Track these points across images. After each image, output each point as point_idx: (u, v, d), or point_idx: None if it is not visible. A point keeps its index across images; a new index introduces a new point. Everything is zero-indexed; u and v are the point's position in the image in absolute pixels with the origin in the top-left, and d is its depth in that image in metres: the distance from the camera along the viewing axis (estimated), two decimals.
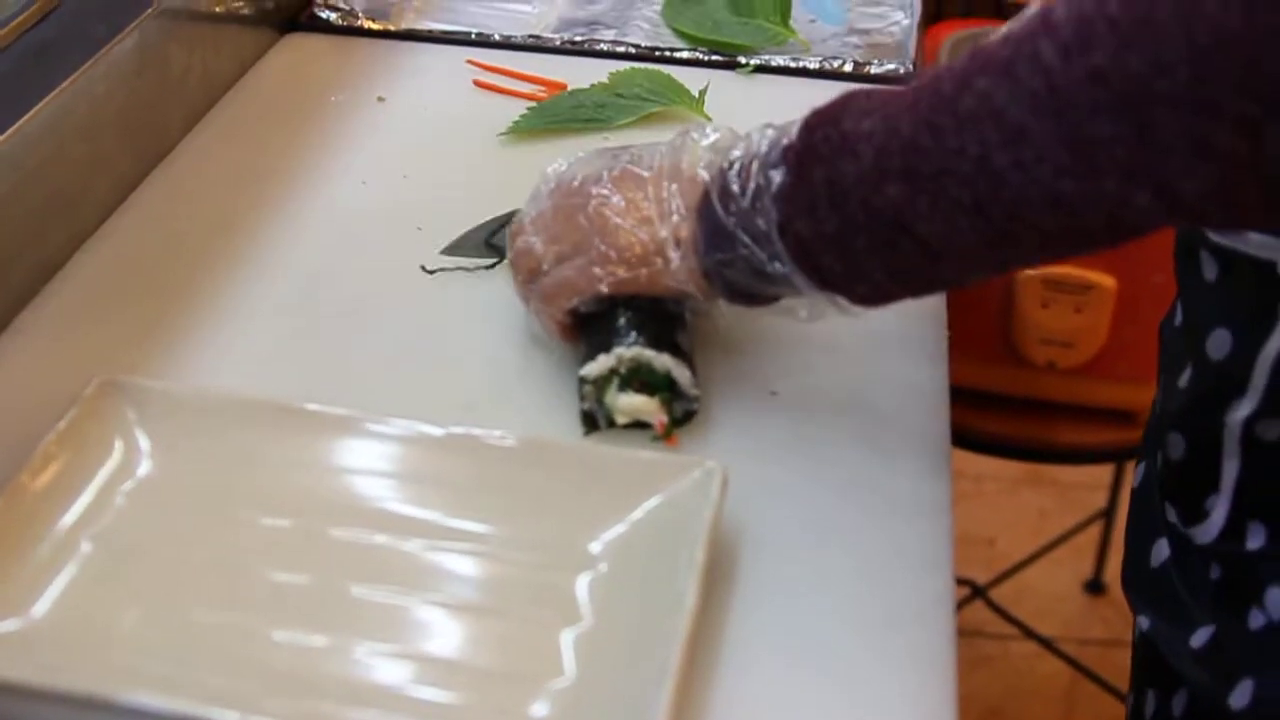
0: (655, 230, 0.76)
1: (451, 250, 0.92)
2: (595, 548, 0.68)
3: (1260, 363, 0.72)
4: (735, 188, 0.72)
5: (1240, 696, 0.72)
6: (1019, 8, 1.86)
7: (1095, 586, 2.04)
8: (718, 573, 0.69)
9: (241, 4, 1.12)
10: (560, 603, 0.66)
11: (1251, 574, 0.73)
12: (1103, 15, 0.57)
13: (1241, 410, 0.73)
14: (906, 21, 1.25)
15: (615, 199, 0.77)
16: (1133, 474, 0.87)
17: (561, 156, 0.84)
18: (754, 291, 0.75)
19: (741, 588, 0.69)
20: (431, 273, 0.90)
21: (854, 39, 1.22)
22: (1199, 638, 0.75)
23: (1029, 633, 1.93)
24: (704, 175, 0.75)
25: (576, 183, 0.80)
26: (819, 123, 0.70)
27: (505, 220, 0.90)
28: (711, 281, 0.75)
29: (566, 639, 0.64)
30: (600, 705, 0.61)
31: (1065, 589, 2.06)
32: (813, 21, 1.24)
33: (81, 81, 0.89)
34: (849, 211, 0.67)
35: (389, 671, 0.63)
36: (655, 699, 0.59)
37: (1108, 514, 1.93)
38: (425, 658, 0.63)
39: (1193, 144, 0.56)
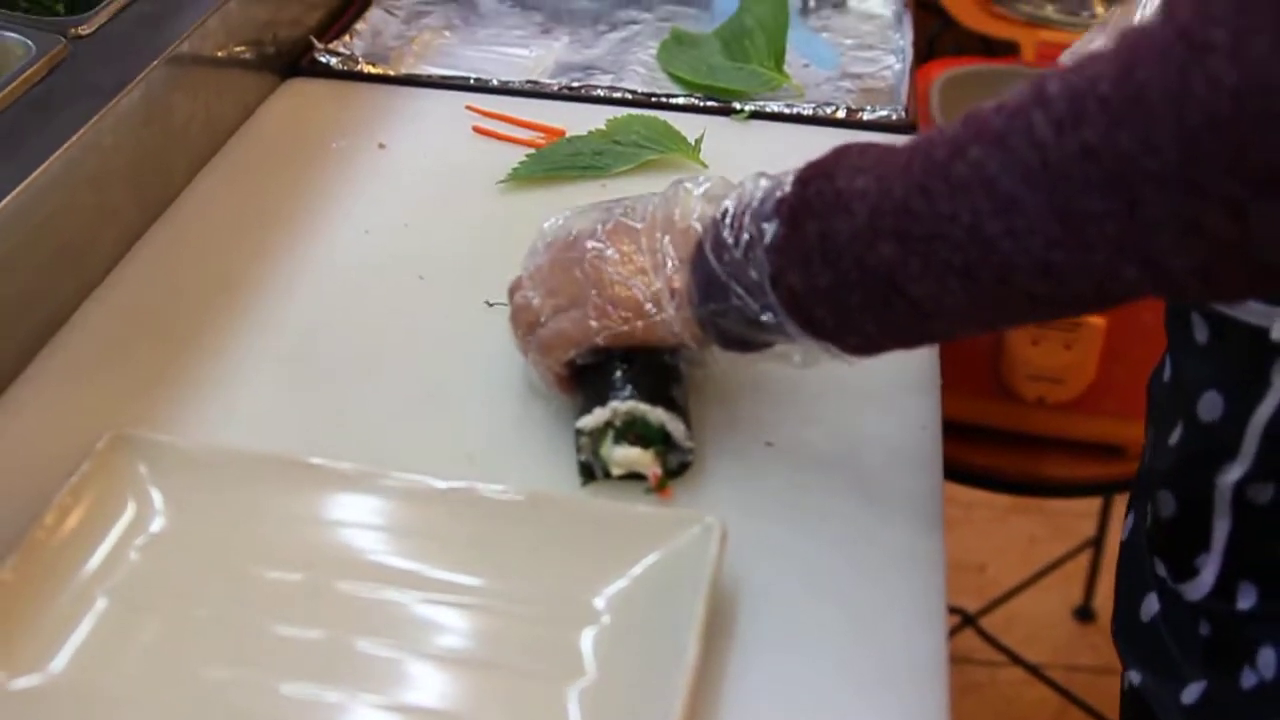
0: (650, 282, 0.77)
1: None
2: (599, 603, 0.70)
3: (1252, 427, 0.72)
4: (728, 238, 0.73)
5: None
6: (1008, 47, 1.88)
7: (1084, 613, 2.05)
8: (717, 626, 0.70)
9: (244, 49, 1.13)
10: (565, 657, 0.67)
11: (1242, 633, 0.73)
12: (1094, 93, 0.57)
13: (1233, 473, 0.73)
14: (899, 66, 1.27)
15: (610, 251, 0.79)
16: (1123, 508, 0.87)
17: (560, 204, 0.86)
18: (748, 339, 0.76)
19: (740, 641, 0.70)
20: (492, 305, 0.92)
21: (847, 83, 1.24)
22: (1190, 694, 0.75)
23: (1017, 659, 1.94)
24: (697, 227, 0.76)
25: (571, 237, 0.81)
26: (812, 176, 0.71)
27: None
28: (706, 330, 0.77)
29: (571, 693, 0.65)
30: None
31: (1054, 616, 2.07)
32: (806, 66, 1.26)
33: (90, 134, 0.90)
34: (842, 268, 0.68)
35: None
36: None
37: (1097, 542, 1.94)
38: (431, 712, 0.65)
39: (1181, 223, 0.57)
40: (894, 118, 1.18)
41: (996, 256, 0.62)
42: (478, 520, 0.73)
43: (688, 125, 1.13)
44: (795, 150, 1.11)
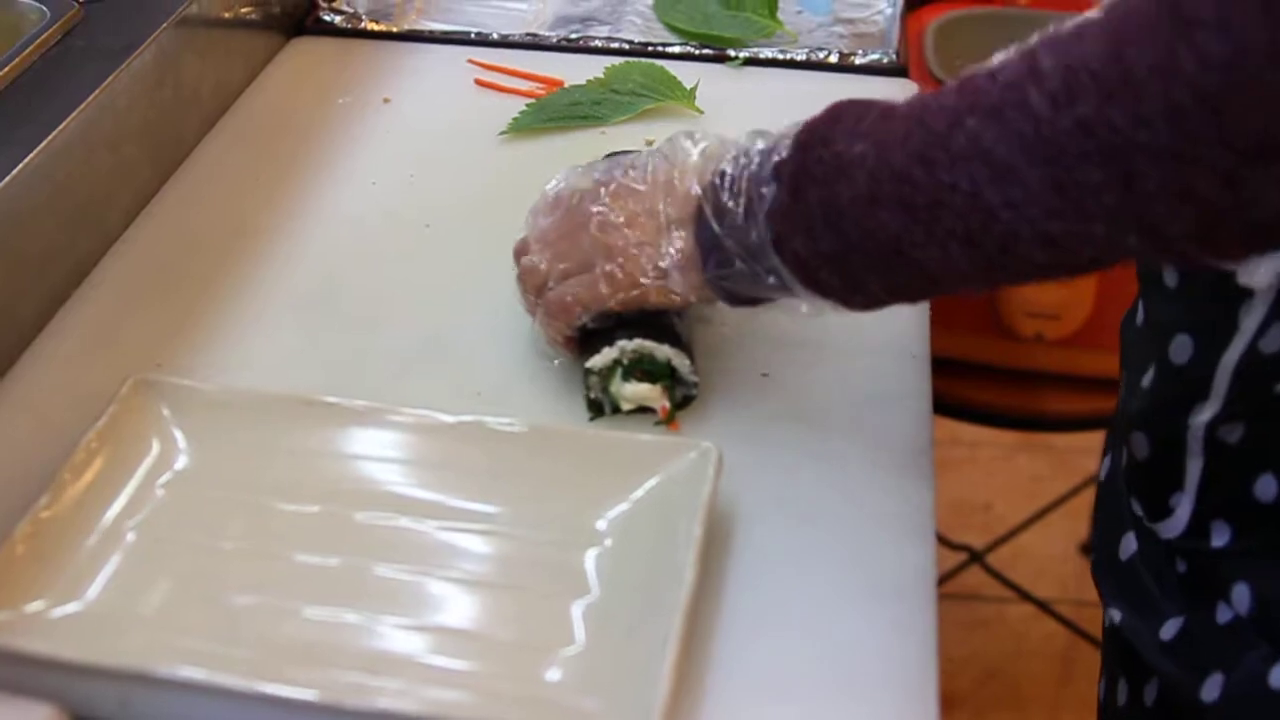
0: (655, 247, 0.78)
1: None
2: (601, 525, 0.73)
3: (1221, 368, 0.73)
4: (728, 202, 0.74)
5: (1211, 690, 0.74)
6: None
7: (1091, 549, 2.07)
8: (715, 546, 0.73)
9: (250, 10, 1.16)
10: (569, 576, 0.71)
11: (1217, 570, 0.75)
12: (1086, 68, 0.59)
13: (1204, 414, 0.74)
14: (890, 11, 1.29)
15: (614, 215, 0.80)
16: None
17: (560, 153, 0.88)
18: (754, 297, 0.77)
19: (737, 559, 0.74)
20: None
21: (839, 29, 1.27)
22: (1168, 630, 0.77)
23: (1025, 595, 1.96)
24: (696, 190, 0.77)
25: (575, 200, 0.82)
26: (811, 141, 0.71)
27: None
28: (713, 291, 0.78)
29: (576, 610, 0.69)
30: (608, 670, 0.65)
31: (1061, 552, 2.08)
32: (799, 13, 1.28)
33: (104, 95, 0.93)
34: (845, 231, 0.69)
35: (412, 643, 0.67)
36: (659, 663, 0.64)
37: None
38: (445, 630, 0.68)
39: (1175, 191, 0.59)
40: (885, 61, 1.20)
41: (998, 225, 0.64)
42: (486, 452, 0.77)
43: (684, 73, 1.15)
44: (789, 95, 1.16)
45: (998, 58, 0.65)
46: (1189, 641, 0.76)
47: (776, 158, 0.73)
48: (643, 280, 0.79)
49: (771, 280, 0.74)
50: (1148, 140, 0.58)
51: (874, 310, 0.73)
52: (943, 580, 1.96)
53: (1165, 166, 0.58)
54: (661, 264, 0.78)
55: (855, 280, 0.71)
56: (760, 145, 0.75)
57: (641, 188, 0.80)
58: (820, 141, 0.71)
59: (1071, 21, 0.62)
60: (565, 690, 0.65)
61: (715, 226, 0.75)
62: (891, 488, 0.79)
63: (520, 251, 0.85)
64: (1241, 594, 0.74)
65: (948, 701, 1.94)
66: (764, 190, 0.73)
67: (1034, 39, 0.63)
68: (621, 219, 0.79)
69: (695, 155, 0.79)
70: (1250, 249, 0.63)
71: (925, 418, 0.83)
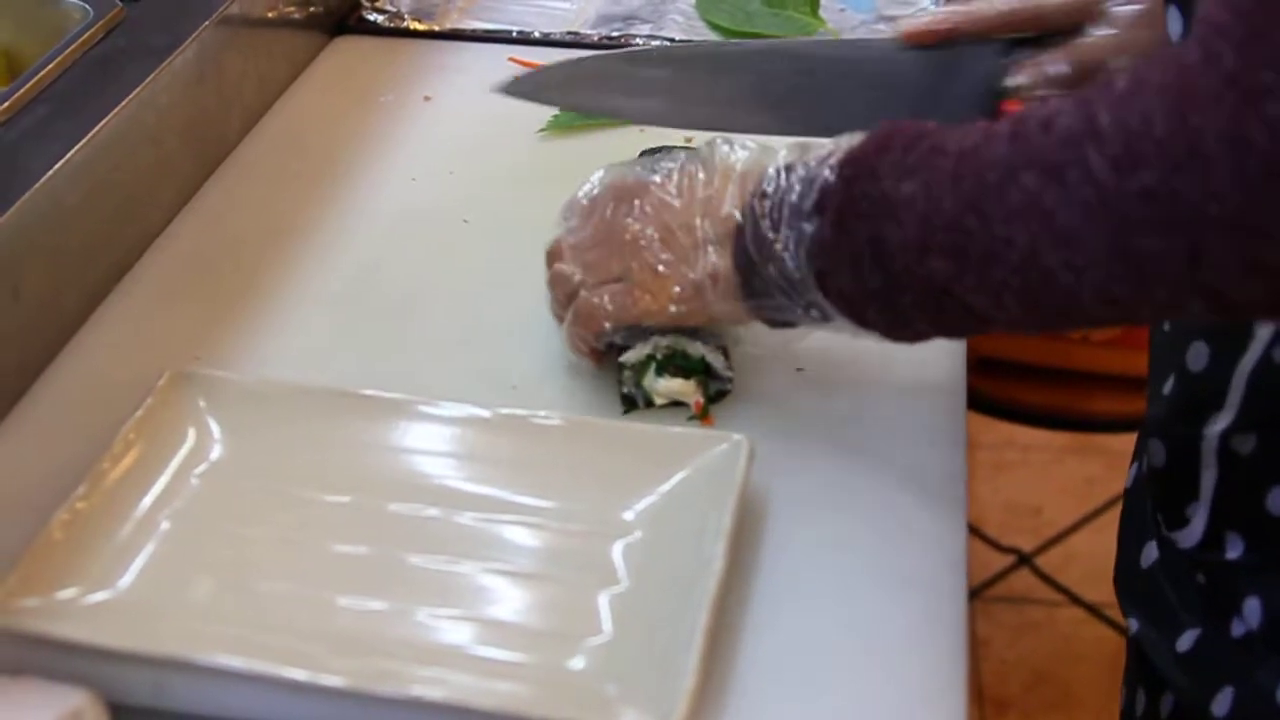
0: (692, 267, 0.77)
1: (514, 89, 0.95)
2: (630, 516, 0.73)
3: (1236, 377, 0.72)
4: (768, 232, 0.73)
5: (1221, 704, 0.73)
6: None
7: None
8: (745, 538, 0.73)
9: (293, 9, 1.17)
10: (599, 567, 0.71)
11: (1231, 582, 0.74)
12: (1150, 135, 0.57)
13: (1219, 423, 0.73)
14: (934, 7, 1.28)
15: (650, 229, 0.79)
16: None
17: (597, 151, 0.88)
18: (795, 322, 0.76)
19: (767, 552, 0.74)
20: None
21: (882, 26, 1.26)
22: (1184, 641, 0.76)
23: (1076, 599, 1.95)
24: (736, 215, 0.76)
25: (610, 209, 0.81)
26: (857, 174, 0.70)
27: None
28: (750, 315, 0.77)
29: (604, 600, 0.69)
30: (636, 659, 0.66)
31: (1113, 555, 2.07)
32: (842, 10, 1.28)
33: (147, 92, 0.94)
34: (894, 273, 0.68)
35: (442, 632, 0.68)
36: (686, 653, 0.64)
37: None
38: (476, 619, 0.69)
39: (1244, 262, 0.57)
40: None
41: (1056, 286, 0.63)
42: (517, 443, 0.77)
43: None
44: None
45: (1050, 102, 0.63)
46: (1203, 654, 0.75)
47: (818, 185, 0.72)
48: (674, 302, 0.78)
49: (813, 313, 0.74)
50: (1217, 214, 0.56)
51: (920, 343, 0.73)
52: (992, 583, 1.95)
53: (1234, 239, 0.57)
54: (696, 284, 0.77)
55: (903, 318, 0.70)
56: (801, 171, 0.74)
57: (677, 203, 0.79)
58: (867, 175, 0.70)
59: (1126, 72, 0.61)
60: (590, 677, 0.65)
61: (755, 257, 0.74)
62: (925, 482, 0.78)
63: (553, 255, 0.85)
64: (1253, 608, 0.73)
65: (997, 705, 1.93)
66: (805, 226, 0.72)
67: (1088, 89, 0.62)
68: (657, 234, 0.79)
69: (736, 168, 0.77)
70: None
71: (959, 412, 0.83)
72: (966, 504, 0.78)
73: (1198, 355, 0.75)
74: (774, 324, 0.78)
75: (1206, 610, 0.75)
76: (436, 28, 1.25)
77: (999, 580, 1.95)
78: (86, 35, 0.96)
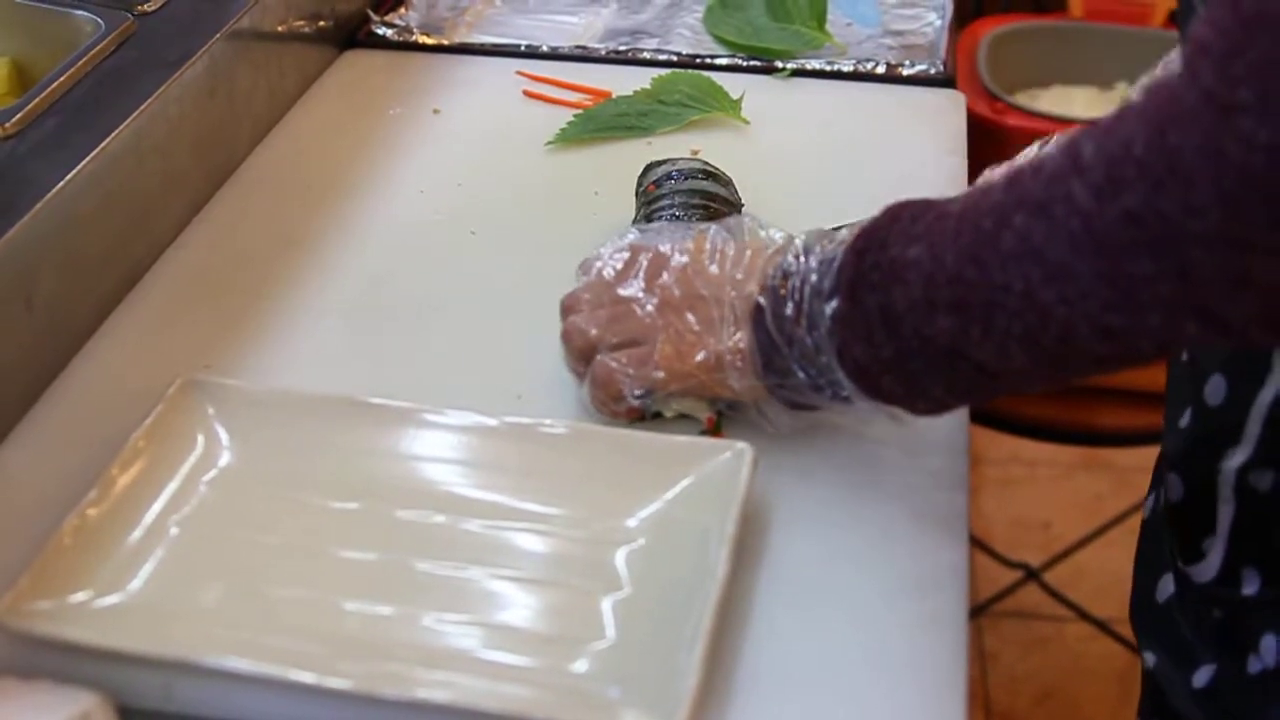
0: (719, 338, 0.77)
1: None
2: (633, 523, 0.74)
3: (1255, 411, 0.72)
4: (789, 313, 0.74)
5: None
6: (1056, 2, 1.89)
7: None
8: (748, 546, 0.74)
9: (303, 23, 1.18)
10: (602, 573, 0.71)
11: (1248, 619, 0.74)
12: (1130, 157, 0.58)
13: (1236, 459, 0.73)
14: (939, 22, 1.29)
15: (678, 295, 0.79)
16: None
17: (606, 163, 0.88)
18: (813, 404, 0.77)
19: (770, 560, 0.74)
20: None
21: (888, 40, 1.27)
22: (1200, 677, 0.76)
23: (1084, 614, 1.95)
24: (761, 300, 0.76)
25: (637, 273, 0.81)
26: (868, 246, 0.71)
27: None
28: (771, 394, 0.77)
29: (608, 605, 0.70)
30: (638, 663, 0.66)
31: (1120, 570, 2.04)
32: (848, 25, 1.29)
33: (158, 104, 0.95)
34: (904, 336, 0.69)
35: (449, 636, 0.68)
36: (688, 657, 0.64)
37: None
38: (482, 623, 0.69)
39: (1232, 277, 0.57)
40: (933, 72, 1.21)
41: (1054, 323, 0.63)
42: (523, 451, 0.78)
43: (731, 84, 1.16)
44: (835, 106, 1.16)
45: (1047, 148, 0.64)
46: (1220, 691, 0.75)
47: (835, 267, 0.72)
48: (696, 371, 0.78)
49: (829, 394, 0.74)
50: (1200, 230, 0.56)
51: (939, 415, 0.73)
52: (999, 598, 1.95)
53: (1220, 254, 0.57)
54: (719, 355, 0.77)
55: (917, 385, 0.70)
56: (818, 255, 0.74)
57: (709, 273, 0.79)
58: (877, 246, 0.70)
59: (1112, 110, 0.61)
60: (593, 681, 0.66)
61: (778, 338, 0.75)
62: (927, 491, 0.79)
63: (569, 308, 0.84)
64: (1269, 645, 0.73)
65: None
66: (827, 308, 0.72)
67: (1076, 132, 0.62)
68: (685, 302, 0.78)
69: (764, 249, 0.78)
70: None
71: (962, 422, 0.83)
72: (969, 514, 0.78)
73: (1215, 389, 0.75)
74: (794, 406, 0.78)
75: (1222, 646, 0.75)
76: (445, 42, 1.26)
77: (1007, 595, 1.95)
78: (98, 48, 0.97)
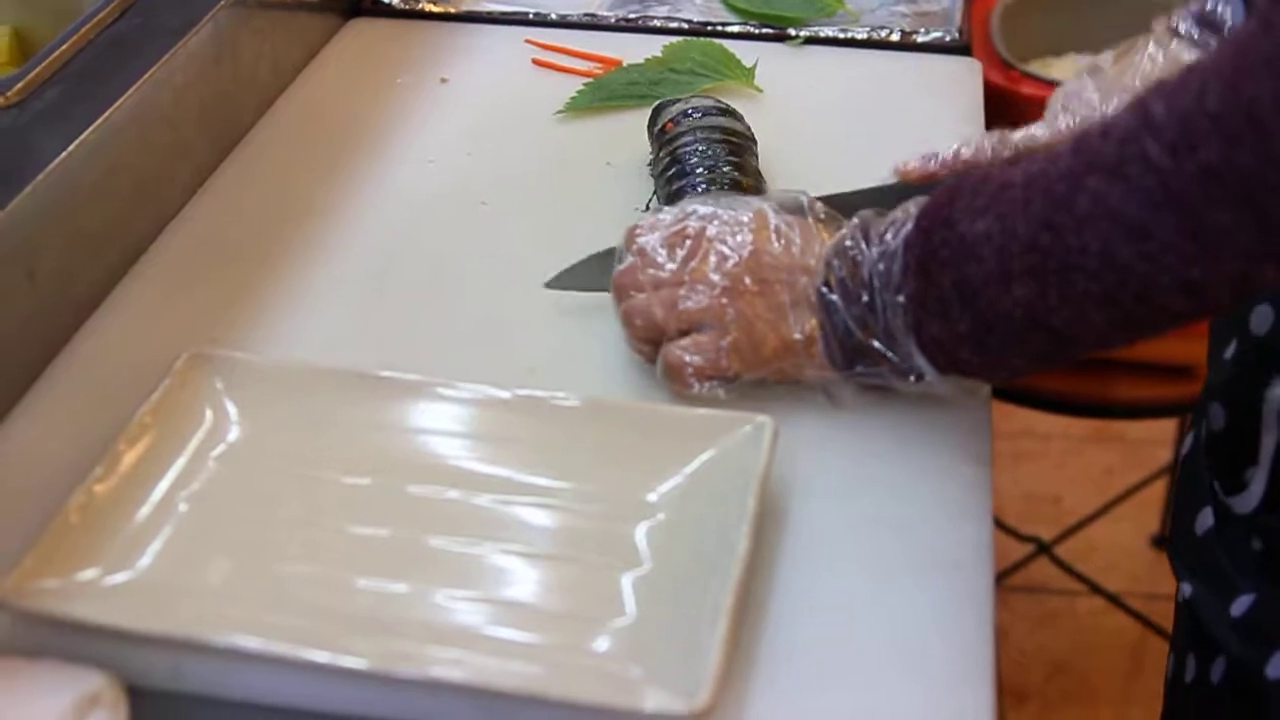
0: (790, 325, 0.77)
1: (558, 283, 0.89)
2: (653, 498, 0.73)
3: None
4: (864, 299, 0.74)
5: (1276, 667, 0.74)
6: None
7: (1162, 541, 2.03)
8: (769, 521, 0.73)
9: None
10: (621, 549, 0.70)
11: None
12: (1204, 112, 0.59)
13: None
14: None
15: (748, 280, 0.78)
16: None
17: (617, 132, 0.85)
18: (889, 386, 0.77)
19: (791, 533, 0.73)
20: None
21: (902, 8, 1.25)
22: (1239, 606, 0.76)
23: (1095, 588, 1.94)
24: (830, 289, 0.76)
25: (702, 251, 0.79)
26: (933, 225, 0.71)
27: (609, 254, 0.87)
28: (845, 381, 0.78)
29: (627, 581, 0.68)
30: (660, 641, 0.65)
31: (1132, 544, 2.06)
32: None
33: (161, 73, 0.94)
34: (980, 310, 0.69)
35: (463, 613, 0.67)
36: (711, 634, 0.63)
37: (1173, 469, 1.94)
38: (497, 601, 0.68)
39: None
40: (948, 40, 1.19)
41: (1134, 280, 0.63)
42: (539, 425, 0.76)
43: (743, 52, 1.14)
44: (849, 74, 1.15)
45: (1110, 114, 0.64)
46: (1259, 618, 0.76)
47: (901, 256, 0.72)
48: (770, 359, 0.78)
49: (911, 379, 0.74)
50: (1278, 179, 0.57)
51: (1016, 381, 0.73)
52: (1011, 572, 1.94)
53: None
54: (791, 343, 0.77)
55: (995, 356, 0.71)
56: (880, 238, 0.74)
57: (778, 255, 0.78)
58: (943, 224, 0.71)
59: (1178, 70, 0.62)
60: (614, 659, 0.64)
61: (858, 333, 0.75)
62: (949, 465, 0.78)
63: (627, 287, 0.81)
64: None
65: (1016, 695, 1.92)
66: (899, 299, 0.72)
67: (1143, 92, 0.63)
68: (755, 286, 0.78)
69: (825, 232, 0.78)
70: None
71: (984, 397, 0.82)
72: (991, 487, 0.77)
73: (1262, 319, 0.76)
74: (868, 388, 0.78)
75: (1262, 575, 0.76)
76: (452, 9, 1.25)
77: (1018, 570, 1.94)
78: (100, 16, 0.96)
